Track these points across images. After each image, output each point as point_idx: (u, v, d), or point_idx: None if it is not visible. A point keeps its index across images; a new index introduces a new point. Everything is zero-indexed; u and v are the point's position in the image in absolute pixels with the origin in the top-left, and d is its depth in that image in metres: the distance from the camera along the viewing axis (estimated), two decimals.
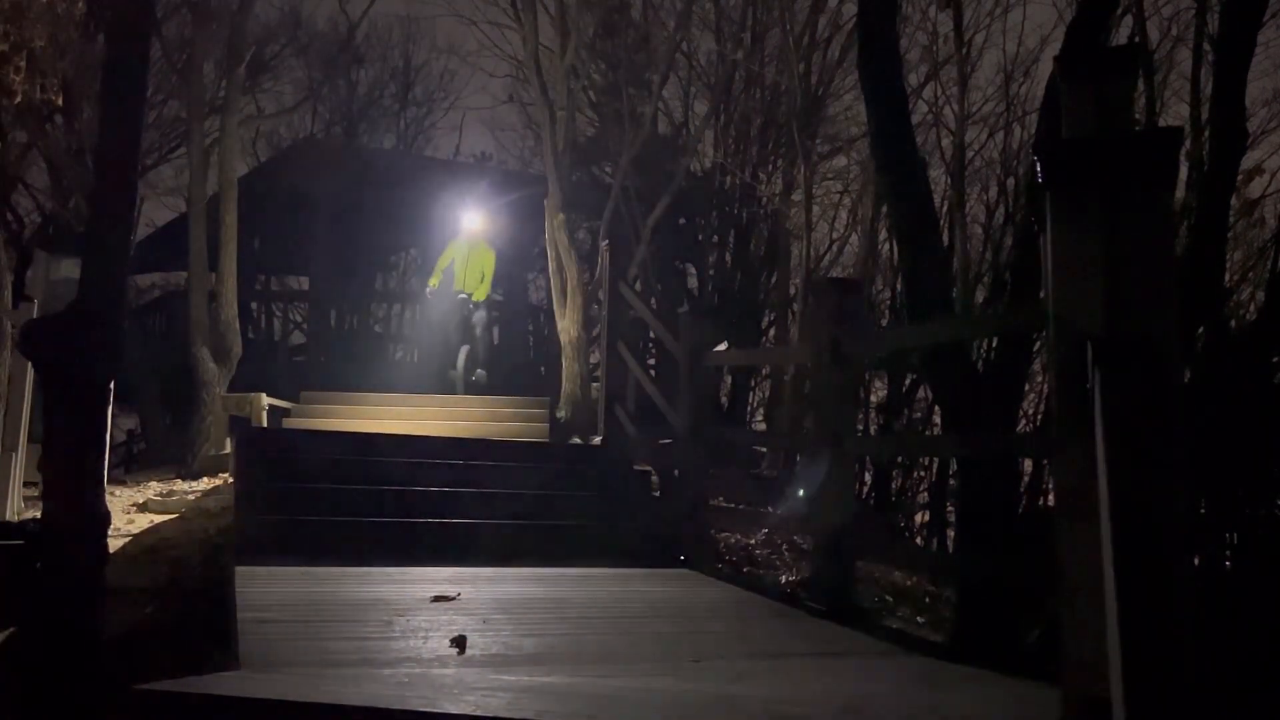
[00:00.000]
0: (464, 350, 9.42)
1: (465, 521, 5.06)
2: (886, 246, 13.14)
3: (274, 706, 2.19)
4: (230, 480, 6.55)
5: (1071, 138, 1.93)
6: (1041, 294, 2.48)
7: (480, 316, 9.70)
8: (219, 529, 5.39)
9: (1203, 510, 7.13)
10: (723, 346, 5.48)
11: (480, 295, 9.60)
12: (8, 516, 4.25)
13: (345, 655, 2.87)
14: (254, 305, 13.90)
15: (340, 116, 15.07)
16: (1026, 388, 11.76)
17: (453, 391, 9.38)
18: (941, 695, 2.78)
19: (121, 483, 7.14)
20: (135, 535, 5.45)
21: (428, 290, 9.76)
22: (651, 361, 10.66)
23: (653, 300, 6.56)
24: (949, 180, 12.58)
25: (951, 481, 11.66)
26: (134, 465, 8.58)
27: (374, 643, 3.05)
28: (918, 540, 12.60)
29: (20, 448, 4.42)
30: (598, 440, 6.58)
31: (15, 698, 2.76)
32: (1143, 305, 1.77)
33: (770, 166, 13.27)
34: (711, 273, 13.65)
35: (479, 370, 9.52)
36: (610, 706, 2.46)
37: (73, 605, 2.61)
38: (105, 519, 2.71)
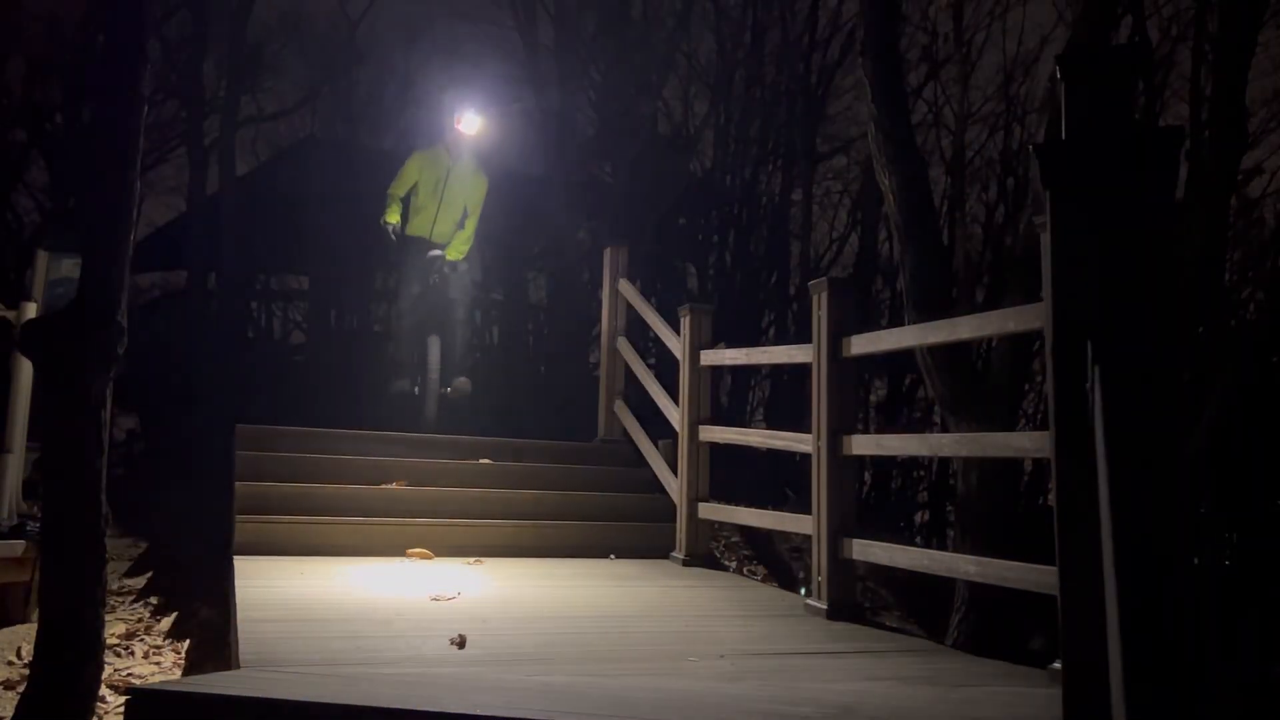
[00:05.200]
0: (433, 345, 6.21)
1: (464, 521, 5.07)
2: (886, 247, 13.16)
3: (274, 706, 2.19)
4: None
5: (1071, 137, 1.93)
6: (1041, 293, 2.48)
7: (461, 286, 6.43)
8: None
9: (1203, 509, 7.13)
10: (721, 346, 5.48)
11: (458, 252, 6.40)
12: (6, 517, 4.24)
13: (345, 655, 2.86)
14: (254, 305, 13.89)
15: (340, 116, 15.07)
16: (1026, 387, 11.78)
17: (423, 421, 6.13)
18: (942, 694, 2.78)
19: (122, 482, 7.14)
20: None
21: (389, 228, 6.22)
22: (651, 361, 10.66)
23: (653, 300, 6.55)
24: (949, 180, 12.59)
25: (951, 481, 11.68)
26: (134, 465, 8.56)
27: (374, 642, 3.05)
28: (917, 540, 12.61)
29: (19, 448, 4.41)
30: (598, 439, 6.58)
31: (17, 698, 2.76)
32: (1143, 305, 1.77)
33: (770, 166, 13.28)
34: (711, 273, 13.67)
35: (460, 379, 6.33)
36: (610, 705, 2.46)
37: (73, 605, 2.60)
38: (105, 519, 2.71)
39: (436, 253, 6.33)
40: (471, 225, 6.45)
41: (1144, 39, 9.27)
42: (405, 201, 6.34)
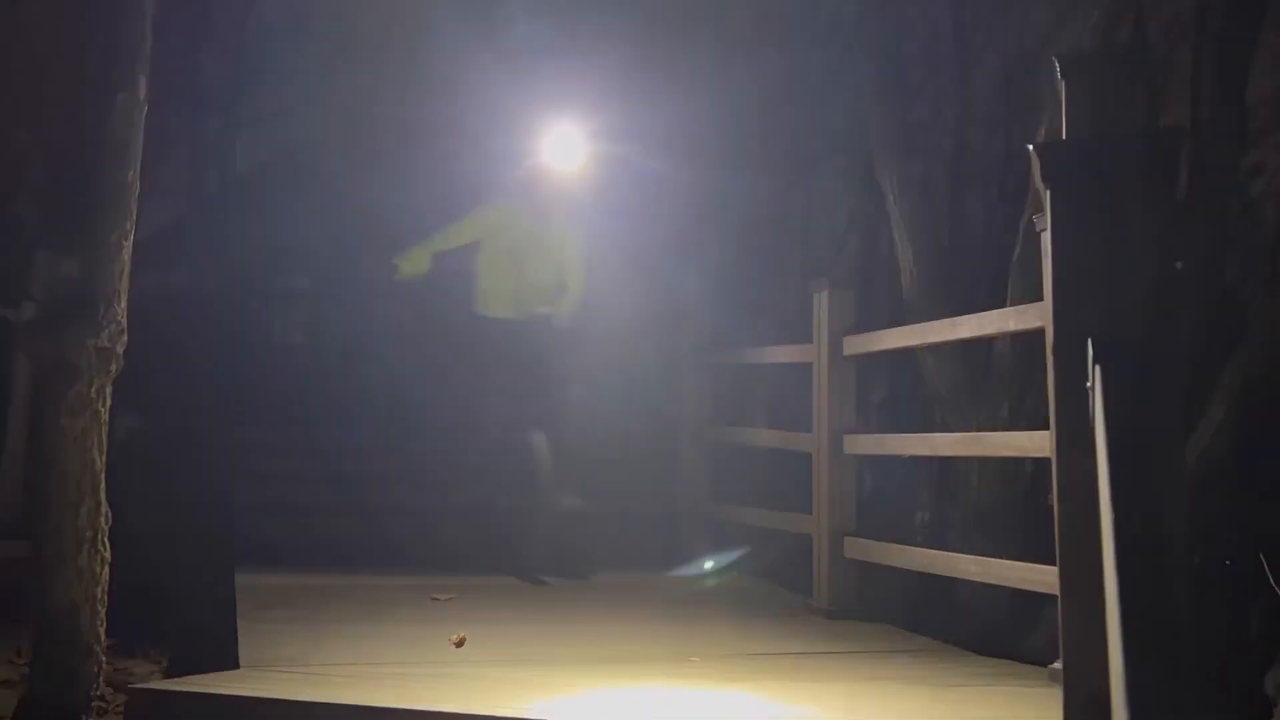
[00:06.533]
0: (539, 444, 4.51)
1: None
2: (886, 247, 13.14)
3: (274, 706, 2.19)
4: None
5: (1071, 138, 1.93)
6: (1042, 294, 2.47)
7: (565, 351, 4.78)
8: None
9: (1203, 509, 7.12)
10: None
11: (565, 309, 4.73)
12: (7, 517, 4.25)
13: (345, 655, 2.86)
14: (254, 305, 13.84)
15: (340, 116, 15.04)
16: (1027, 387, 11.75)
17: (529, 559, 4.43)
18: (941, 694, 2.78)
19: None
20: None
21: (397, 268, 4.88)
22: None
23: None
24: (949, 180, 12.58)
25: (952, 481, 11.67)
26: (134, 465, 8.53)
27: (375, 642, 3.05)
28: (918, 540, 12.61)
29: (19, 447, 4.41)
30: None
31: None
32: (1143, 304, 1.77)
33: (770, 167, 13.26)
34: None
35: (570, 499, 4.57)
36: (611, 706, 2.47)
37: (73, 605, 2.60)
38: (106, 518, 2.71)
39: (543, 313, 4.67)
40: (577, 289, 4.77)
41: (1144, 39, 9.26)
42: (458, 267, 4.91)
